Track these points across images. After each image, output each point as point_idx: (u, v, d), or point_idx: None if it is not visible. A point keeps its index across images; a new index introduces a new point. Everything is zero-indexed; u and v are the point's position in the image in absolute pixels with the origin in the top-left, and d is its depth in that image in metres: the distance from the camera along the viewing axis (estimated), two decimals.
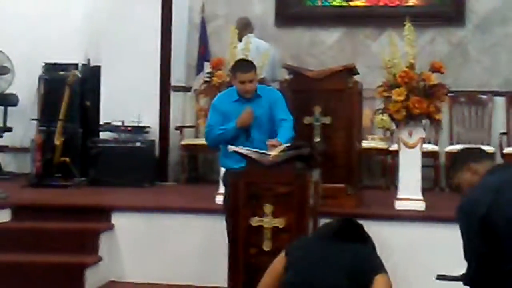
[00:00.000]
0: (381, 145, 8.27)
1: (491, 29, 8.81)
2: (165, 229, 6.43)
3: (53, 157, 8.10)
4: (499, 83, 8.74)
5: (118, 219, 6.49)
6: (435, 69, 6.33)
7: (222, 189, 6.18)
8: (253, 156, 5.05)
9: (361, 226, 3.71)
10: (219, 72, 6.61)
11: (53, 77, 8.65)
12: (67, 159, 8.10)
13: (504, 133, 8.33)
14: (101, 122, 8.48)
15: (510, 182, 3.30)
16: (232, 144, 5.33)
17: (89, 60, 8.85)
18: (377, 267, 3.47)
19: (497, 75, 8.79)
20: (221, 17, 9.40)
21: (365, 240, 3.65)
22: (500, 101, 8.57)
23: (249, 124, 5.53)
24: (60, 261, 6.02)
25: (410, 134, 6.30)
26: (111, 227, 6.44)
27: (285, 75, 6.96)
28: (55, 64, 8.74)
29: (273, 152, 5.03)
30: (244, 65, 5.71)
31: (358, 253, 3.47)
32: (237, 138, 5.51)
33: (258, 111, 5.55)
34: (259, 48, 7.68)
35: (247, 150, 5.12)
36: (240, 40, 8.27)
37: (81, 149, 8.38)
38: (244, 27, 8.36)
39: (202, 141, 8.57)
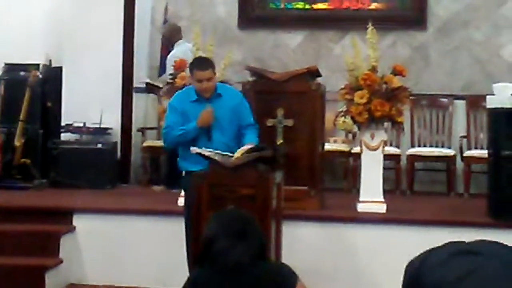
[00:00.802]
0: (343, 147, 8.32)
1: (452, 33, 8.91)
2: (126, 232, 6.40)
3: (13, 158, 8.01)
4: (460, 86, 8.83)
5: (79, 221, 6.45)
6: (397, 72, 6.38)
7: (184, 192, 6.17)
8: (216, 158, 5.04)
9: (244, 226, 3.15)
10: (182, 73, 6.59)
11: (14, 78, 8.54)
12: (28, 161, 8.02)
13: (464, 137, 8.41)
14: (63, 124, 8.39)
15: None
16: (192, 146, 5.23)
17: (50, 60, 8.77)
18: (288, 278, 3.11)
19: (458, 79, 8.88)
20: (184, 18, 9.37)
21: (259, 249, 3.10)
22: (461, 104, 8.65)
23: (210, 124, 5.42)
24: (21, 263, 5.97)
25: (372, 137, 6.34)
26: (72, 229, 6.39)
27: (247, 77, 6.97)
28: (15, 64, 8.63)
29: (236, 154, 5.03)
30: (201, 62, 5.61)
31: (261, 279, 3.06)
32: (198, 139, 5.38)
33: (219, 111, 5.44)
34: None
35: (210, 151, 5.10)
36: (172, 46, 8.37)
37: (42, 150, 8.29)
38: (176, 33, 8.50)
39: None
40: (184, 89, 5.84)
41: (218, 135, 5.44)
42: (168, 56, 8.45)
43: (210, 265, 3.04)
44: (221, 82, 5.96)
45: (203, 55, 6.53)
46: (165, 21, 9.38)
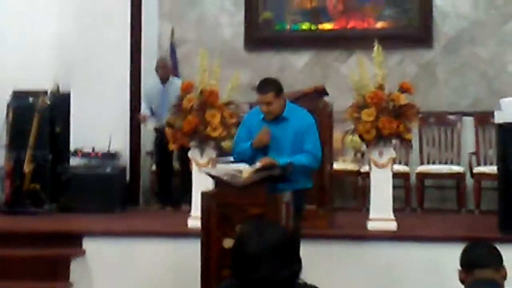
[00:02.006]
0: (352, 166, 8.31)
1: (458, 50, 8.93)
2: (136, 254, 6.38)
3: (23, 184, 8.02)
4: (468, 103, 8.84)
5: (89, 245, 6.44)
6: (404, 90, 6.38)
7: (194, 213, 6.17)
8: (224, 178, 5.03)
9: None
10: (189, 95, 6.60)
11: (22, 104, 8.55)
12: (37, 186, 8.03)
13: (473, 153, 8.40)
14: (71, 149, 8.41)
15: None
16: (253, 163, 5.16)
17: (58, 86, 8.79)
18: None
19: (465, 96, 8.89)
20: (191, 41, 9.43)
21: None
22: (469, 121, 8.65)
23: (265, 145, 5.34)
24: None
25: (381, 154, 6.33)
26: (82, 253, 6.38)
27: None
28: (23, 92, 8.67)
29: (244, 174, 5.02)
30: (262, 85, 5.39)
31: None
32: (255, 157, 5.31)
33: (279, 133, 5.34)
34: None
35: (219, 172, 5.10)
36: (165, 81, 8.37)
37: (51, 175, 8.30)
38: (165, 71, 8.64)
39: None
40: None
41: (275, 157, 5.26)
42: (145, 89, 8.72)
43: (245, 282, 2.84)
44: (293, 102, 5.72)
45: (211, 77, 6.56)
46: (171, 45, 9.43)
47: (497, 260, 3.18)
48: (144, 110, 8.62)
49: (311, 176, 5.59)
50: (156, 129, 8.61)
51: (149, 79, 8.84)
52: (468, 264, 3.17)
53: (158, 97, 8.48)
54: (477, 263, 3.14)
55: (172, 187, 8.75)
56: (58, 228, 6.89)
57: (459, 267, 3.20)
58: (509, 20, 8.86)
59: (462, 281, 3.17)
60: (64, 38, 8.70)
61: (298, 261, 2.93)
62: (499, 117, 6.23)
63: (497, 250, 3.23)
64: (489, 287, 3.10)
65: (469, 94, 8.89)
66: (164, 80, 8.59)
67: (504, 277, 3.15)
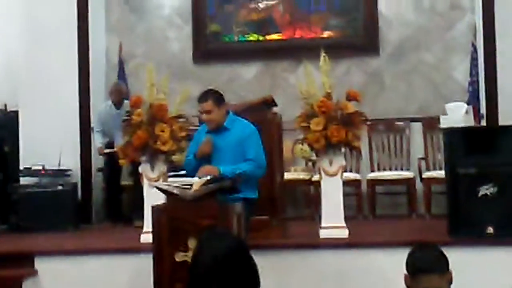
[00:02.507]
0: (303, 175, 8.36)
1: (404, 57, 9.05)
2: (90, 272, 6.30)
3: None
4: (415, 109, 8.95)
5: (41, 265, 6.35)
6: (351, 98, 6.44)
7: (146, 228, 6.15)
8: (174, 191, 5.04)
9: None
10: (138, 110, 6.58)
11: None
12: None
13: (422, 158, 8.50)
14: (21, 167, 8.33)
15: None
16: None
17: (5, 105, 8.73)
18: None
19: (413, 102, 9.00)
20: (139, 56, 9.42)
21: None
22: (417, 126, 8.76)
23: (208, 154, 5.51)
24: None
25: (331, 163, 6.37)
26: (34, 273, 6.30)
27: None
28: None
29: (194, 186, 5.03)
30: (203, 94, 5.67)
31: None
32: (199, 168, 5.47)
33: (221, 143, 5.54)
34: None
35: (168, 185, 5.10)
36: (119, 105, 8.33)
37: (1, 195, 8.21)
38: (118, 95, 8.61)
39: (125, 181, 8.58)
40: None
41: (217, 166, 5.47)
42: (98, 113, 8.69)
43: None
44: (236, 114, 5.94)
45: (159, 91, 6.56)
46: (120, 60, 9.40)
47: (442, 264, 3.18)
48: (99, 143, 8.59)
49: (258, 187, 5.65)
50: (107, 148, 8.57)
51: (100, 103, 8.81)
52: (413, 269, 3.18)
53: (111, 121, 8.39)
54: (422, 268, 3.14)
55: (122, 203, 8.72)
56: (9, 248, 6.78)
57: (405, 272, 3.22)
58: (453, 26, 9.00)
59: (408, 286, 3.19)
60: (10, 56, 8.64)
61: (256, 275, 2.88)
62: (445, 122, 6.33)
63: (442, 254, 3.23)
64: None
65: (417, 99, 9.00)
66: (118, 104, 8.56)
67: (450, 281, 3.16)
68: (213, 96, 5.61)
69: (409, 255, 3.25)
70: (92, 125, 8.71)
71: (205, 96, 5.61)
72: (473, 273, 5.56)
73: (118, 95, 8.61)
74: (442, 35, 9.03)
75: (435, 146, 8.54)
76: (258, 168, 5.56)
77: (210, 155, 5.53)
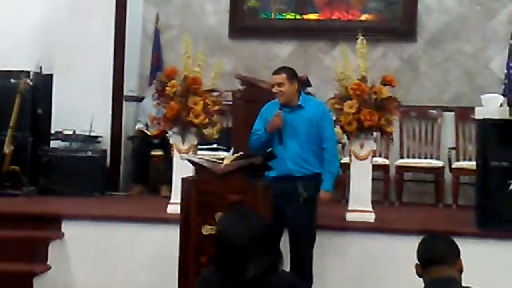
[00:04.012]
0: None
1: (441, 45, 8.96)
2: (115, 239, 6.39)
3: (2, 165, 7.99)
4: (449, 98, 8.88)
5: (68, 228, 6.44)
6: (386, 82, 6.41)
7: (174, 199, 6.18)
8: (205, 164, 5.05)
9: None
10: (173, 81, 6.59)
11: (4, 85, 8.53)
12: (17, 168, 8.00)
13: (452, 148, 8.44)
14: (52, 131, 8.39)
15: None
16: (269, 147, 5.44)
17: (41, 68, 8.76)
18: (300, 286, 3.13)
19: (447, 91, 8.93)
20: (175, 27, 9.41)
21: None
22: (450, 116, 8.69)
23: (279, 128, 5.56)
24: (9, 270, 5.96)
25: (361, 146, 6.37)
26: (60, 236, 6.38)
27: (238, 86, 7.00)
28: (6, 71, 8.62)
29: (225, 161, 5.04)
30: (277, 69, 5.77)
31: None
32: (271, 141, 5.57)
33: (295, 121, 5.58)
34: None
35: (200, 158, 5.12)
36: None
37: (31, 157, 8.28)
38: None
39: (153, 151, 8.62)
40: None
41: (294, 144, 5.57)
42: (142, 104, 8.80)
43: (227, 271, 2.90)
44: (308, 94, 6.11)
45: (194, 64, 6.56)
46: (156, 30, 9.40)
47: (453, 254, 3.17)
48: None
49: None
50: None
51: (135, 63, 8.84)
52: (424, 259, 3.16)
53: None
54: (433, 258, 3.13)
55: (150, 173, 8.76)
56: (37, 210, 6.87)
57: (416, 261, 3.22)
58: (493, 16, 8.90)
59: (419, 275, 3.19)
60: (48, 20, 8.66)
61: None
62: (480, 113, 6.27)
63: (453, 243, 3.22)
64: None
65: (451, 89, 8.93)
66: None
67: (461, 270, 3.15)
68: (287, 71, 5.68)
69: (420, 245, 3.24)
70: (124, 93, 8.74)
71: (279, 70, 5.70)
72: (501, 265, 5.55)
73: None
74: (481, 25, 8.93)
75: (466, 136, 8.48)
76: (335, 147, 5.80)
77: (280, 129, 5.57)
